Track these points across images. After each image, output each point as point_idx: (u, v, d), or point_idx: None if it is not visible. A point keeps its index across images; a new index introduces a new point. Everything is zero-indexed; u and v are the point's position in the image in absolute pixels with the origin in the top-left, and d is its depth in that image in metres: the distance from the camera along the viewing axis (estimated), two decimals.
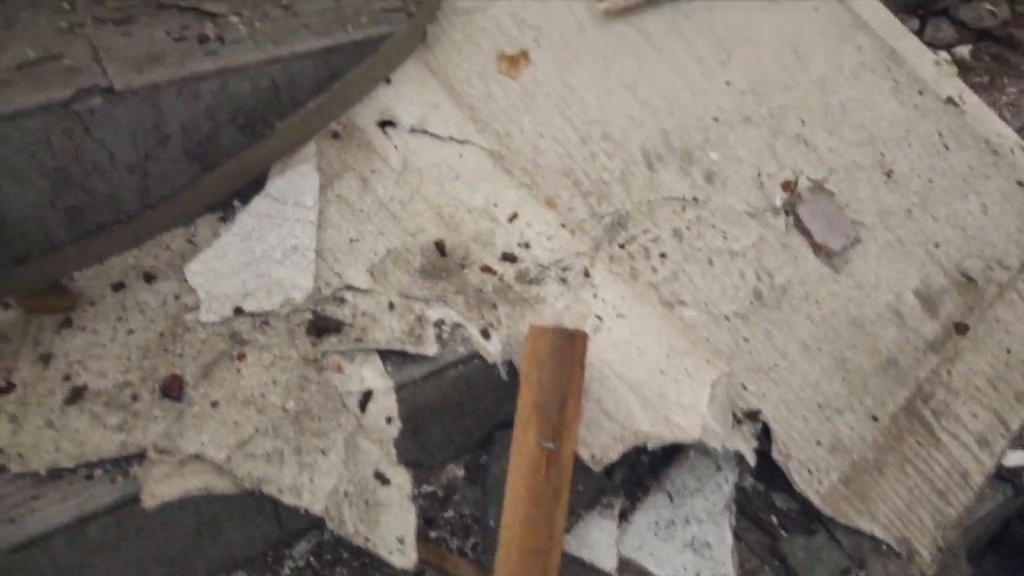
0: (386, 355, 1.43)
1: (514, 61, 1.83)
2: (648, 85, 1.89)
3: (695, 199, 1.78)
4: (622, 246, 1.68)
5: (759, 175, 1.86)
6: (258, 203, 1.54)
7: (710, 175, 1.82)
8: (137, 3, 1.76)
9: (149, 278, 1.50)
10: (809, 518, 1.59)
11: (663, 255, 1.68)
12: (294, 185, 1.57)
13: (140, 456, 1.23)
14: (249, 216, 1.53)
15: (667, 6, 1.99)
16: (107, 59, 1.55)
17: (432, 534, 1.48)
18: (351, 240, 1.57)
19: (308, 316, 1.45)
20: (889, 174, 1.97)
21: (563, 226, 1.69)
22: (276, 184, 1.57)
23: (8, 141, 1.42)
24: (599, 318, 1.54)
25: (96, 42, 1.61)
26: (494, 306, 1.53)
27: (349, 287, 1.50)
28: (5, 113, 1.41)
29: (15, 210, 1.48)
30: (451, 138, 1.73)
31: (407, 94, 1.74)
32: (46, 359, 1.35)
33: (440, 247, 1.59)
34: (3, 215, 1.47)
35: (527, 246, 1.64)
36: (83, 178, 1.53)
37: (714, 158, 1.84)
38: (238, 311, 1.43)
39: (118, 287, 1.48)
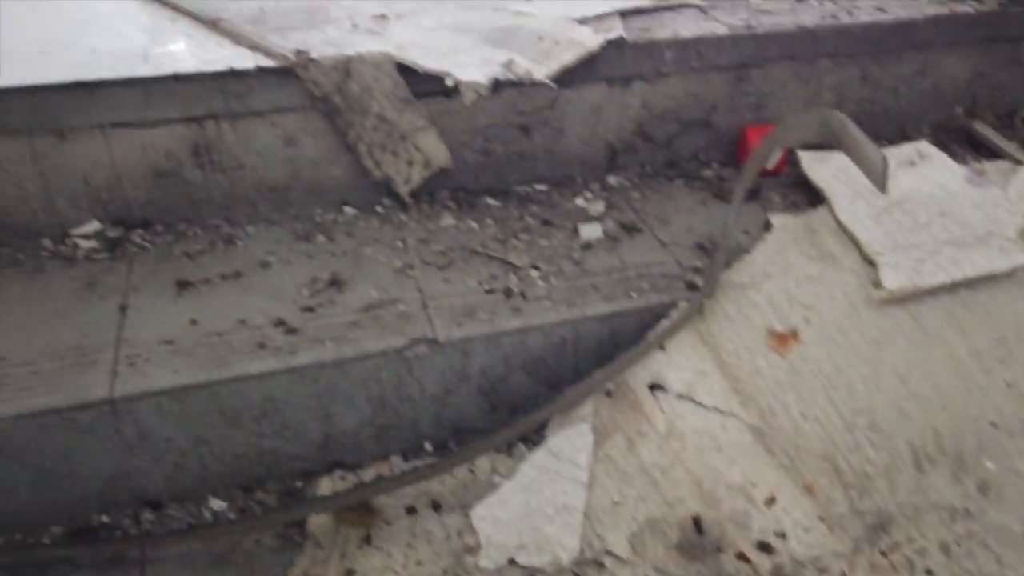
0: None
1: (783, 338, 1.91)
2: (920, 376, 1.87)
3: (967, 511, 1.71)
4: (884, 553, 1.64)
5: None
6: (539, 456, 1.71)
7: (985, 486, 1.74)
8: (455, 247, 2.09)
9: (436, 506, 1.70)
10: None
11: (929, 572, 1.62)
12: (571, 442, 1.73)
13: None
14: (530, 468, 1.70)
15: (945, 294, 1.99)
16: (432, 307, 1.85)
17: None
18: (614, 503, 1.68)
19: None
20: None
21: (821, 519, 1.69)
22: (556, 439, 1.73)
23: (351, 376, 1.72)
24: None
25: (423, 287, 1.92)
26: None
27: (609, 553, 1.60)
28: (355, 355, 1.72)
29: (341, 426, 1.78)
30: (715, 408, 1.82)
31: (678, 360, 1.87)
32: (349, 574, 1.57)
33: (697, 524, 1.66)
34: (332, 431, 1.77)
35: (783, 536, 1.66)
36: (396, 404, 1.80)
37: (990, 467, 1.77)
38: (511, 562, 1.58)
39: (411, 511, 1.69)
